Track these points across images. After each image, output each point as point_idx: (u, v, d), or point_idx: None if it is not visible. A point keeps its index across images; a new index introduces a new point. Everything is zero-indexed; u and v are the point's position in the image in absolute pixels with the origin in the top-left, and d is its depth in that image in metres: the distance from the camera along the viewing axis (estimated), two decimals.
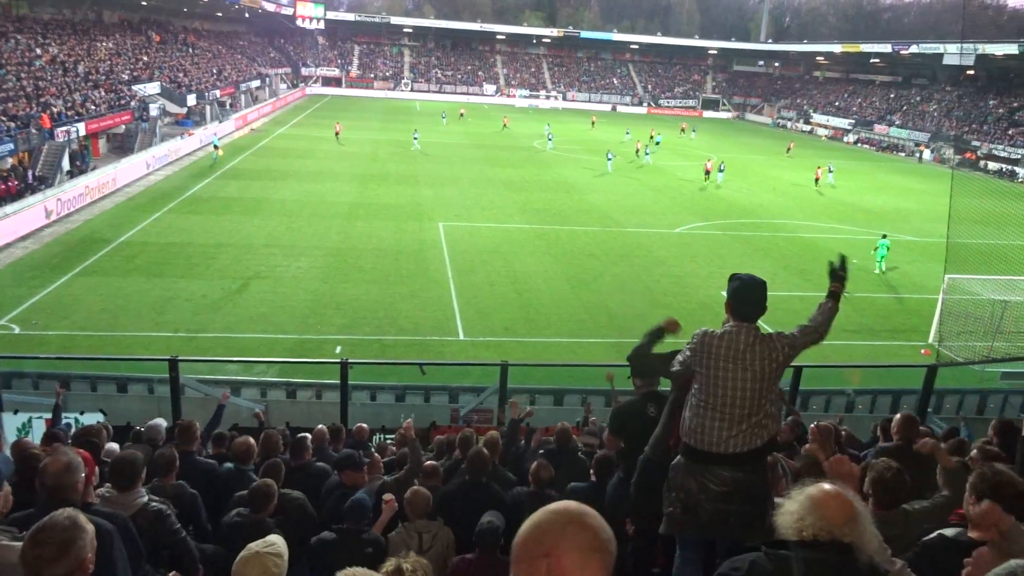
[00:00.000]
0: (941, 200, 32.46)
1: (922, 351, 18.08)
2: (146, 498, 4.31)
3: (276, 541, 3.21)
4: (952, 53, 65.75)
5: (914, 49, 71.92)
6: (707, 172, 43.04)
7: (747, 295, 3.88)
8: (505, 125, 64.05)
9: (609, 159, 45.18)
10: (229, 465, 5.92)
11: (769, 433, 3.81)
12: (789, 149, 59.61)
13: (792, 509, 2.40)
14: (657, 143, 56.00)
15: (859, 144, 74.26)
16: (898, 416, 5.73)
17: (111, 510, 3.90)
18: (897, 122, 73.75)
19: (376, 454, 7.02)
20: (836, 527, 2.33)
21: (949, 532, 3.32)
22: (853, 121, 79.06)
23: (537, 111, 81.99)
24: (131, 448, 5.71)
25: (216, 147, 41.66)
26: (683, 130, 69.75)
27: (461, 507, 5.04)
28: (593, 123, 71.26)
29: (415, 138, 49.43)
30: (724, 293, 4.05)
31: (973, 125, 65.93)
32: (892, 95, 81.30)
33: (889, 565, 2.90)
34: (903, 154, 67.58)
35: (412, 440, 6.05)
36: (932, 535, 3.28)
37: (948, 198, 18.26)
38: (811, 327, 3.92)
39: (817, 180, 43.97)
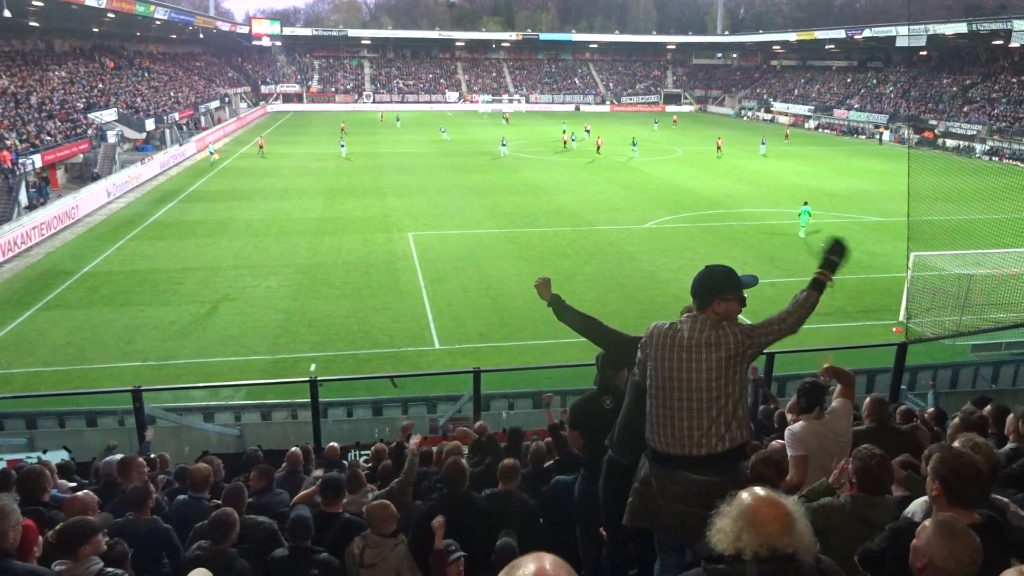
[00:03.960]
0: (904, 180, 33.01)
1: (894, 329, 18.28)
2: (100, 565, 4.08)
3: None
4: (904, 35, 66.97)
5: (867, 33, 73.09)
6: (598, 148, 50.28)
7: (702, 282, 3.68)
8: (343, 129, 60.85)
9: (503, 145, 51.16)
10: (183, 496, 5.70)
11: (735, 439, 3.55)
12: (787, 136, 63.10)
13: (726, 527, 2.28)
14: (564, 130, 59.43)
15: (820, 129, 75.24)
16: (868, 399, 5.73)
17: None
18: (856, 106, 74.85)
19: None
20: (775, 539, 2.21)
21: (918, 516, 3.28)
22: (813, 107, 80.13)
23: (490, 115, 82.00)
24: (89, 489, 5.52)
25: (212, 152, 48.36)
26: (675, 121, 75.01)
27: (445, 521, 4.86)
28: (506, 120, 74.95)
29: (342, 146, 50.87)
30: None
31: (929, 104, 67.11)
32: (849, 79, 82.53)
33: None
34: (864, 137, 68.61)
35: (413, 451, 5.90)
36: (899, 520, 3.23)
37: (907, 177, 18.52)
38: (777, 318, 3.64)
39: (719, 148, 50.97)
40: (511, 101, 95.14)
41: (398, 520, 4.74)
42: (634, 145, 50.49)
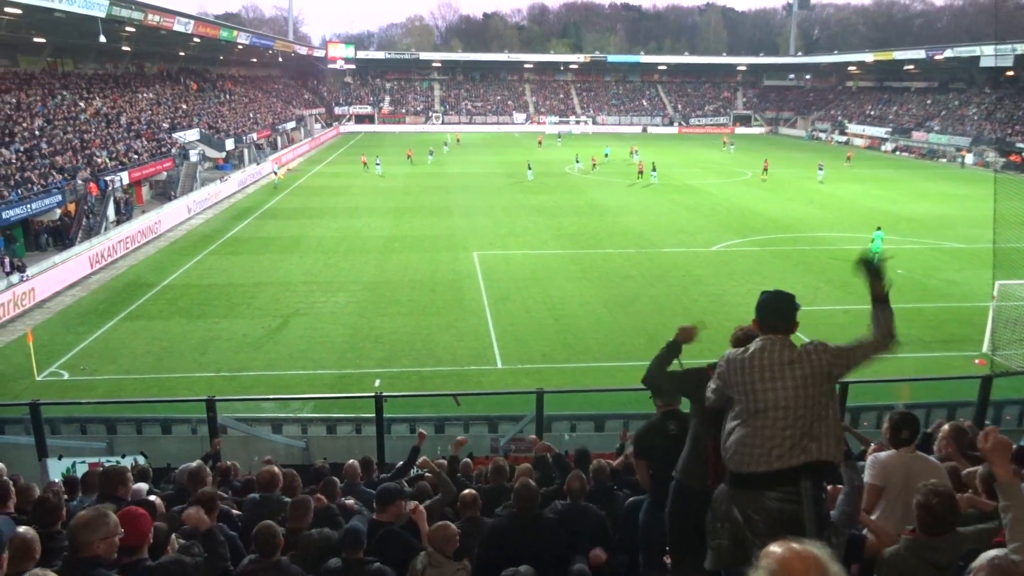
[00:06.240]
0: (987, 205, 31.60)
1: (976, 361, 17.43)
2: None
3: None
4: (989, 55, 64.38)
5: (949, 53, 70.63)
6: (640, 172, 49.06)
7: (774, 307, 3.72)
8: (282, 174, 51.95)
9: (529, 169, 50.48)
10: (254, 495, 5.84)
11: (823, 453, 3.46)
12: (848, 159, 61.40)
13: None
14: (607, 154, 60.67)
15: (898, 152, 72.81)
16: (945, 427, 5.41)
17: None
18: (936, 128, 72.21)
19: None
20: None
21: (990, 554, 3.07)
22: (890, 129, 77.66)
23: (567, 137, 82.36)
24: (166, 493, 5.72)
25: (275, 173, 49.07)
26: (724, 143, 73.54)
27: (512, 542, 4.82)
28: (540, 143, 74.87)
29: (377, 164, 52.71)
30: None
31: (1016, 127, 64.19)
32: (929, 101, 79.76)
33: None
34: (944, 160, 66.07)
35: (438, 466, 5.92)
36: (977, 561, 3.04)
37: (993, 202, 17.70)
38: (870, 337, 3.63)
39: (765, 169, 51.39)
40: (578, 122, 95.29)
41: (459, 537, 4.74)
42: (654, 171, 48.34)
